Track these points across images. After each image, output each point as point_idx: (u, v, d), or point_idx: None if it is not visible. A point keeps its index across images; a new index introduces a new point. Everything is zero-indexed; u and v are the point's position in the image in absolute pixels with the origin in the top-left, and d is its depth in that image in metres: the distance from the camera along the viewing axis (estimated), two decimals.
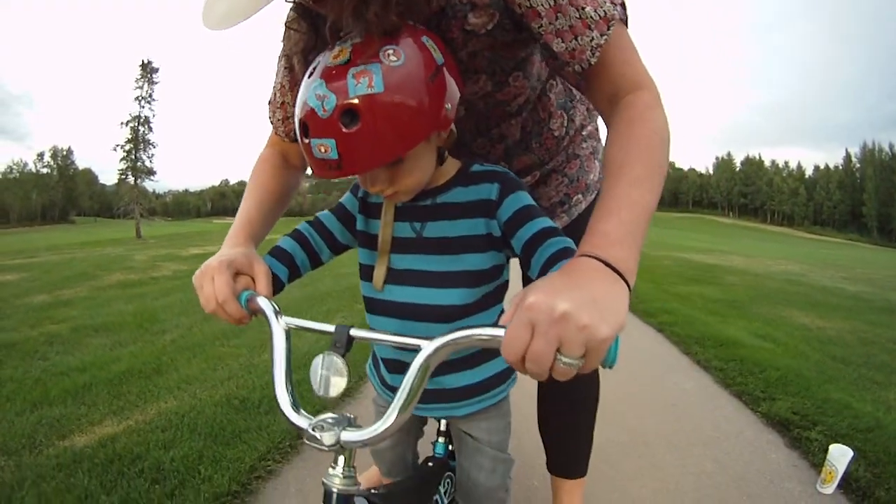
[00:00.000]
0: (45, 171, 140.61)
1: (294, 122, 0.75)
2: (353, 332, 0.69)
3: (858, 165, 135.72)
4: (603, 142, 1.09)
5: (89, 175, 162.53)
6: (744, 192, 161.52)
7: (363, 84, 0.63)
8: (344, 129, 0.64)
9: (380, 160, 0.68)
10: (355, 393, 2.70)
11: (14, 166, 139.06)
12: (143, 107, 36.19)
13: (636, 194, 0.65)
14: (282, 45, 0.94)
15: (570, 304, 0.51)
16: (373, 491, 0.76)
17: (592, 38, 0.73)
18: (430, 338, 0.62)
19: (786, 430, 2.30)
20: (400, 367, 0.94)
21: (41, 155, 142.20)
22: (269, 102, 1.03)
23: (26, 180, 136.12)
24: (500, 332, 0.56)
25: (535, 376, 0.54)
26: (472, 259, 0.85)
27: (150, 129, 36.57)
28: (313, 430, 0.64)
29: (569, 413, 1.41)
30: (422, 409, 0.97)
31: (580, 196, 1.19)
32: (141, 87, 36.06)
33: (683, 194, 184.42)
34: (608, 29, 0.72)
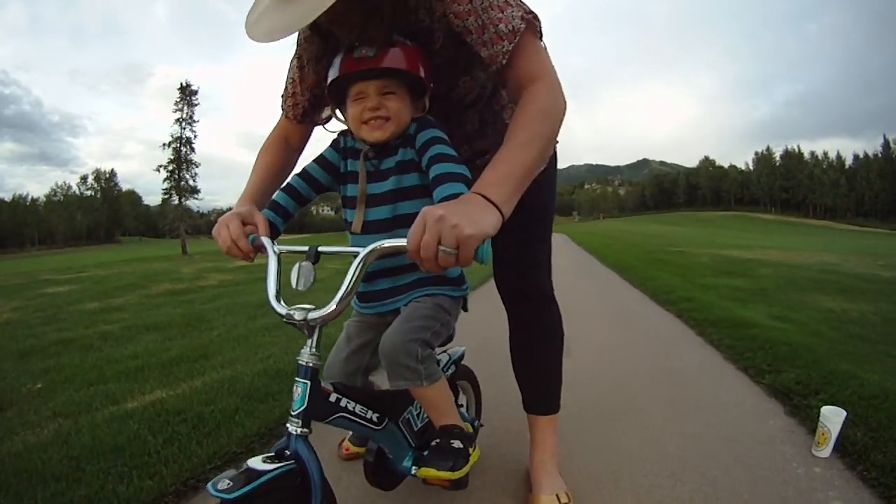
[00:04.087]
0: (88, 193, 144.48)
1: (300, 107, 1.25)
2: (321, 248, 0.99)
3: None
4: None
5: (133, 196, 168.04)
6: (785, 186, 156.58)
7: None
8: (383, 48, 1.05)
9: (395, 63, 1.05)
10: None
11: (58, 189, 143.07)
12: (185, 128, 36.84)
13: (515, 153, 0.95)
14: (295, 50, 1.23)
15: (446, 211, 0.78)
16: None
17: (504, 47, 1.02)
18: (363, 247, 0.89)
19: (787, 399, 2.26)
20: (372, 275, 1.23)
21: (84, 178, 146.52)
22: (282, 95, 1.31)
23: (70, 202, 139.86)
24: (404, 240, 0.81)
25: (427, 265, 0.80)
26: (409, 178, 1.16)
27: (192, 149, 37.18)
28: (289, 313, 0.92)
29: (534, 354, 1.54)
30: (378, 306, 1.25)
31: None
32: (181, 110, 36.70)
33: (725, 192, 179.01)
34: (515, 39, 1.02)
